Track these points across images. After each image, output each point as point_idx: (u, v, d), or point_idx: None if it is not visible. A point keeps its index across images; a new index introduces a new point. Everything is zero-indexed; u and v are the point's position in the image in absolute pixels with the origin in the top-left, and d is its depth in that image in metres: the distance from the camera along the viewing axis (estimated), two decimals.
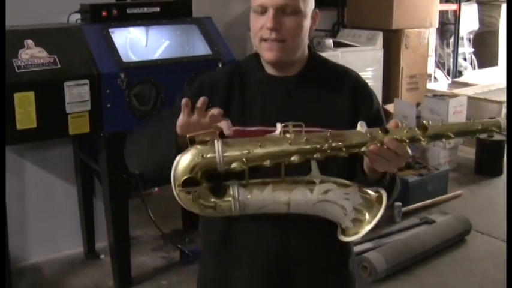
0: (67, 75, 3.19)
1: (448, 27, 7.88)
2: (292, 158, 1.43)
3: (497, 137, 5.47)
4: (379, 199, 1.49)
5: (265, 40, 1.59)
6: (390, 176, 1.56)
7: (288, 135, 1.45)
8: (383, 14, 5.96)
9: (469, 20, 8.03)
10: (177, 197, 1.44)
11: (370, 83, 6.00)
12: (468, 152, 5.77)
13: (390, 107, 5.87)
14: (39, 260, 3.91)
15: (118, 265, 3.61)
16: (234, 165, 1.41)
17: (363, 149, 1.45)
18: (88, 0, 3.56)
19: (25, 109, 3.09)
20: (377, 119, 1.70)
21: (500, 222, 4.53)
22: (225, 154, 1.40)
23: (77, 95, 3.21)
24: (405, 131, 1.46)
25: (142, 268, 3.86)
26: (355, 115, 1.66)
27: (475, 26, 8.26)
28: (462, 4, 7.60)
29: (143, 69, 3.40)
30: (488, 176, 5.47)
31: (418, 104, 5.81)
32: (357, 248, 4.01)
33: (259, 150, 1.42)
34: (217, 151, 1.40)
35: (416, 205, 4.72)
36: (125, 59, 3.38)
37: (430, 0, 6.23)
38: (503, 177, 5.50)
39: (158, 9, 3.66)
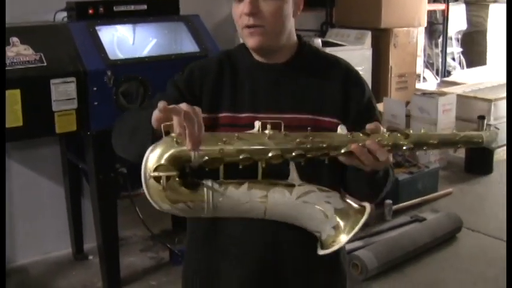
0: (53, 72, 3.15)
1: (436, 27, 7.90)
2: (270, 155, 1.36)
3: None
4: (360, 211, 1.43)
5: (247, 27, 1.57)
6: (384, 169, 1.53)
7: (266, 132, 1.39)
8: (371, 13, 5.95)
9: (457, 20, 8.05)
10: (145, 188, 1.34)
11: None
12: (458, 151, 5.74)
13: (379, 106, 5.85)
14: (27, 261, 3.88)
15: (107, 266, 3.57)
16: (208, 158, 1.33)
17: (342, 150, 1.40)
18: None
19: (11, 107, 3.05)
20: (369, 108, 1.68)
21: (491, 219, 4.54)
22: (201, 147, 1.32)
23: (63, 93, 3.17)
24: (387, 135, 1.43)
25: (131, 269, 3.83)
26: (346, 103, 1.64)
27: (463, 25, 8.28)
28: (450, 4, 7.61)
29: (130, 67, 3.37)
30: (478, 174, 5.47)
31: (407, 103, 5.80)
32: (347, 247, 3.92)
33: (236, 144, 1.35)
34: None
35: (406, 203, 4.71)
36: (111, 57, 3.34)
37: None
38: (494, 175, 5.51)
39: (145, 6, 3.63)
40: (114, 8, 3.54)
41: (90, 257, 3.93)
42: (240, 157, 1.35)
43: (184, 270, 1.80)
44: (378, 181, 1.55)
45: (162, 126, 1.34)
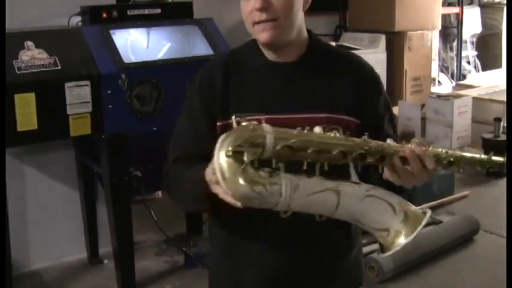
0: (67, 76, 3.17)
1: (450, 31, 7.86)
2: (335, 152, 1.31)
3: (503, 136, 5.44)
4: (419, 215, 1.41)
5: (257, 23, 1.55)
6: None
7: (329, 133, 1.35)
8: (385, 17, 5.93)
9: (472, 23, 8.01)
10: (220, 171, 1.26)
11: None
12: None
13: (395, 110, 5.82)
14: (41, 266, 3.88)
15: (121, 269, 3.57)
16: (281, 147, 1.27)
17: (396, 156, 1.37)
18: (89, 2, 3.54)
19: (25, 110, 3.06)
20: (386, 105, 1.68)
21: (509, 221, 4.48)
22: (274, 136, 1.28)
23: (77, 96, 3.19)
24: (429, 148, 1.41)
25: (146, 272, 3.82)
26: (362, 100, 1.62)
27: (478, 29, 8.23)
28: (464, 7, 7.59)
29: (144, 70, 3.37)
30: (494, 177, 5.40)
31: (422, 106, 5.77)
32: (364, 249, 3.97)
33: (305, 137, 1.31)
34: (268, 131, 1.29)
35: (422, 206, 4.66)
36: (125, 60, 3.35)
37: (432, 2, 6.20)
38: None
39: (159, 10, 3.64)
40: (128, 12, 3.56)
41: (105, 261, 3.92)
42: (309, 151, 1.29)
43: (212, 275, 1.80)
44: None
45: (233, 118, 1.35)
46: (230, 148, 1.25)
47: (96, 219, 3.94)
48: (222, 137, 1.28)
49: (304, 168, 1.31)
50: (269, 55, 1.62)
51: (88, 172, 3.81)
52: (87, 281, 3.77)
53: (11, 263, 3.38)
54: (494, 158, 1.51)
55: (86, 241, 3.97)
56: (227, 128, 1.55)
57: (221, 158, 1.26)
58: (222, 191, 1.30)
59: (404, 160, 1.37)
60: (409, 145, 1.38)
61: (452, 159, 1.43)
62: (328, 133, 1.35)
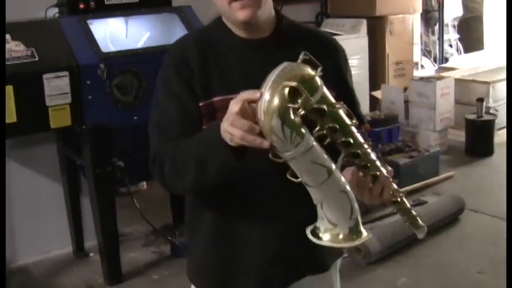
0: (46, 67, 3.14)
1: (432, 15, 7.87)
2: (343, 139, 1.33)
3: (486, 117, 5.46)
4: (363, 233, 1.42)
5: (235, 0, 1.51)
6: None
7: None
8: (366, 2, 5.93)
9: (453, 6, 8.03)
10: (267, 99, 1.23)
11: (356, 70, 6.00)
12: (458, 135, 5.73)
13: (378, 93, 5.85)
14: (28, 261, 3.85)
15: (107, 262, 3.56)
16: (318, 107, 1.27)
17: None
18: None
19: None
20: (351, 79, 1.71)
21: (494, 200, 4.51)
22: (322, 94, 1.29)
23: (56, 88, 3.16)
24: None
25: (133, 264, 3.80)
26: (336, 74, 1.63)
27: (459, 12, 8.25)
28: None
29: (123, 59, 3.35)
30: (479, 157, 5.44)
31: (405, 89, 5.78)
32: None
33: (336, 112, 1.33)
34: (321, 85, 1.29)
35: (408, 187, 4.66)
36: (104, 50, 3.33)
37: None
38: (495, 156, 5.47)
39: None
40: (106, 1, 3.52)
41: (91, 254, 3.90)
42: (331, 124, 1.30)
43: (195, 264, 1.75)
44: None
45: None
46: (294, 83, 1.24)
47: (80, 213, 3.91)
48: (285, 64, 1.28)
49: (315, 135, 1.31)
50: (241, 33, 1.59)
51: (71, 165, 3.78)
52: (73, 274, 3.74)
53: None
54: (420, 221, 1.60)
55: (71, 235, 3.94)
56: (211, 108, 1.54)
57: (278, 85, 1.25)
58: (245, 121, 1.25)
59: (373, 178, 1.41)
60: (384, 170, 1.43)
61: (399, 199, 1.52)
62: (349, 119, 1.36)
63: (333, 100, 1.32)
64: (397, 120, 5.38)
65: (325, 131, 1.31)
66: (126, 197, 3.66)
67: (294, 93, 1.24)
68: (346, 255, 3.70)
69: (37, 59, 3.14)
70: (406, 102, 5.63)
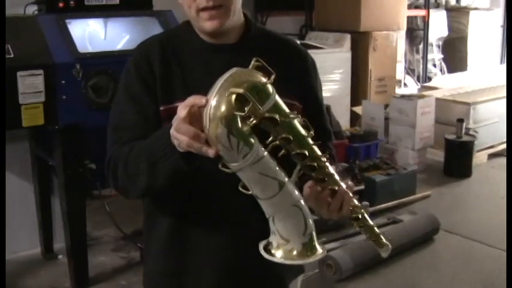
0: (20, 64, 3.08)
1: (417, 33, 7.89)
2: (298, 151, 1.29)
3: (465, 138, 5.46)
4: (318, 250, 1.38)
5: (203, 10, 1.47)
6: None
7: None
8: (350, 17, 5.95)
9: (438, 26, 8.06)
10: (214, 104, 1.20)
11: (338, 85, 5.98)
12: (437, 154, 5.73)
13: (358, 109, 5.84)
14: None
15: (74, 265, 3.49)
16: (270, 116, 1.23)
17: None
18: None
19: None
20: (321, 91, 1.67)
21: (469, 222, 4.51)
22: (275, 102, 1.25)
23: (30, 86, 3.11)
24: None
25: (101, 268, 3.74)
26: (302, 85, 1.60)
27: (444, 32, 8.28)
28: (431, 10, 7.62)
29: (100, 60, 3.30)
30: (456, 177, 5.44)
31: (386, 106, 5.78)
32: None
33: (290, 122, 1.29)
34: (273, 93, 1.25)
35: (383, 205, 4.66)
36: (81, 50, 3.28)
37: (398, 3, 6.23)
38: (473, 178, 5.48)
39: (117, 1, 3.57)
40: (86, 1, 3.48)
41: (60, 257, 3.84)
42: (284, 135, 1.26)
43: (147, 273, 1.71)
44: None
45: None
46: (241, 90, 1.20)
47: (51, 214, 3.85)
48: (235, 70, 1.25)
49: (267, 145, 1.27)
50: (207, 38, 1.56)
51: (43, 165, 3.72)
52: (40, 276, 3.67)
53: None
54: (384, 240, 1.52)
55: (40, 236, 3.87)
56: (171, 113, 1.47)
57: (225, 91, 1.21)
58: (190, 127, 1.23)
59: (332, 192, 1.37)
60: (344, 184, 1.39)
61: (360, 216, 1.44)
62: (306, 130, 1.31)
63: (286, 110, 1.27)
64: (377, 136, 5.38)
65: (278, 142, 1.26)
66: (98, 200, 3.61)
67: (242, 100, 1.20)
68: (316, 270, 3.67)
69: (12, 55, 3.08)
70: (387, 119, 5.62)
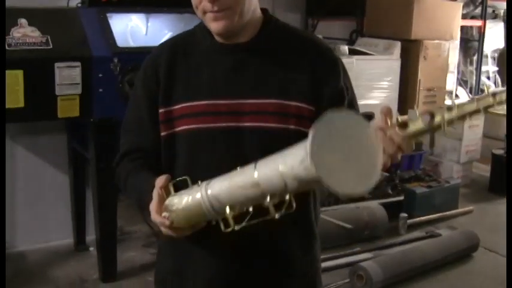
0: (58, 55, 3.11)
1: (472, 44, 7.69)
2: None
3: None
4: None
5: (210, 12, 1.44)
6: None
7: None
8: (402, 24, 5.81)
9: (495, 37, 7.84)
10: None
11: (385, 93, 5.81)
12: (483, 169, 5.58)
13: (404, 119, 5.71)
14: (27, 248, 3.83)
15: (103, 257, 3.51)
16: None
17: None
18: None
19: (13, 87, 3.02)
20: (346, 89, 1.54)
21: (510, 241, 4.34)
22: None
23: (67, 77, 3.13)
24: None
25: (130, 263, 3.76)
26: (318, 86, 1.49)
27: (500, 44, 8.06)
28: (488, 21, 7.41)
29: (137, 56, 3.21)
30: (502, 194, 5.24)
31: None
32: (354, 258, 3.87)
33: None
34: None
35: (422, 218, 4.54)
36: (120, 44, 3.28)
37: (451, 12, 6.07)
38: None
39: None
40: None
41: (91, 249, 3.86)
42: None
43: (157, 271, 1.70)
44: None
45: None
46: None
47: (85, 206, 3.88)
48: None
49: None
50: (218, 38, 1.52)
51: (79, 157, 3.75)
52: (69, 267, 3.71)
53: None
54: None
55: (73, 227, 3.91)
56: (170, 115, 1.50)
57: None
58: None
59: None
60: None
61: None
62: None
63: None
64: (421, 147, 5.25)
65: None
66: None
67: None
68: (347, 280, 3.60)
69: (51, 47, 3.11)
70: None
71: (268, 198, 1.22)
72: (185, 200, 1.34)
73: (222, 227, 1.31)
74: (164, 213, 1.36)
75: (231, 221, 1.28)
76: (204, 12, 1.45)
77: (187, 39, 1.58)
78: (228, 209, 1.27)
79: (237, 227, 1.28)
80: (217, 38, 1.52)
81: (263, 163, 1.22)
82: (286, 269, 1.58)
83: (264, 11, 1.55)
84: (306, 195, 1.56)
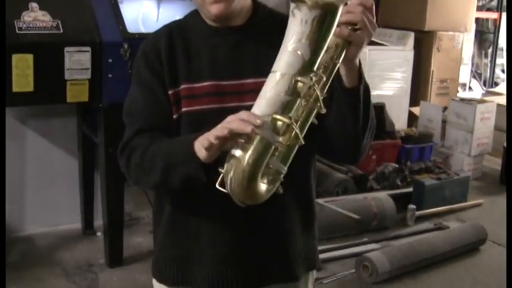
0: (69, 40, 3.12)
1: (487, 37, 7.64)
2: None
3: None
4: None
5: None
6: (364, 86, 1.45)
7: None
8: (416, 15, 5.79)
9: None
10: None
11: (398, 84, 5.78)
12: (494, 162, 5.54)
13: (416, 110, 5.69)
14: (35, 232, 3.85)
15: (109, 241, 3.53)
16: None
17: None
18: None
19: (23, 71, 3.02)
20: None
21: None
22: None
23: (77, 62, 3.13)
24: None
25: (137, 249, 3.77)
26: None
27: None
28: (503, 13, 7.34)
29: None
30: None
31: (445, 108, 5.61)
32: (361, 249, 3.87)
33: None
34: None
35: (431, 210, 4.52)
36: (130, 30, 3.28)
37: (466, 3, 6.03)
38: None
39: None
40: None
41: (98, 234, 3.88)
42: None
43: (156, 259, 1.69)
44: (362, 96, 1.44)
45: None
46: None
47: (93, 191, 3.89)
48: None
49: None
50: (213, 23, 1.55)
51: (89, 142, 3.76)
52: (77, 251, 3.73)
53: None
54: None
55: (82, 211, 3.93)
56: (177, 96, 1.52)
57: None
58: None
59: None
60: None
61: None
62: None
63: None
64: (432, 139, 5.23)
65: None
66: None
67: None
68: (352, 270, 3.60)
69: (61, 31, 3.11)
70: (444, 122, 5.46)
71: (300, 78, 1.26)
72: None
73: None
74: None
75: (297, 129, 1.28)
76: None
77: (181, 25, 1.60)
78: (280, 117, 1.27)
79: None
80: (210, 23, 1.55)
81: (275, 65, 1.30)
82: (290, 246, 1.61)
83: None
84: (309, 169, 1.60)
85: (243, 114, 1.26)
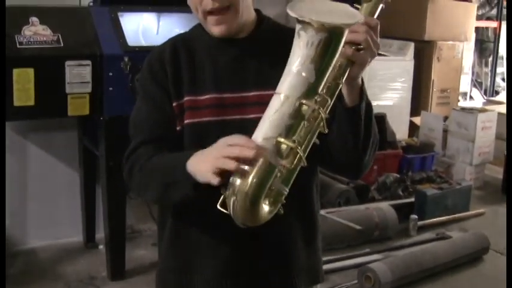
0: (69, 54, 3.14)
1: (487, 46, 7.66)
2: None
3: None
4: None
5: (210, 13, 1.48)
6: (366, 103, 1.45)
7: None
8: (416, 25, 5.81)
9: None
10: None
11: (398, 94, 5.79)
12: (496, 171, 5.53)
13: (417, 120, 5.69)
14: (37, 245, 3.85)
15: (111, 255, 3.53)
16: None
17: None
18: None
19: (24, 85, 3.04)
20: None
21: None
22: None
23: (78, 76, 3.15)
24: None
25: (140, 261, 3.76)
26: None
27: None
28: (503, 22, 7.36)
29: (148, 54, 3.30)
30: None
31: (445, 118, 5.61)
32: (363, 259, 3.86)
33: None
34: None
35: (433, 220, 4.51)
36: (131, 43, 3.30)
37: (466, 13, 6.05)
38: None
39: None
40: None
41: (100, 247, 3.87)
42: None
43: (159, 271, 1.70)
44: (364, 114, 1.44)
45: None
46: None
47: (95, 204, 3.89)
48: None
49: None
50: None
51: (90, 155, 3.76)
52: (79, 264, 3.72)
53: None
54: None
55: (83, 224, 3.93)
56: (181, 109, 1.53)
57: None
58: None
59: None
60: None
61: None
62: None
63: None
64: (433, 149, 5.23)
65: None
66: None
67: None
68: (355, 281, 3.59)
69: (62, 45, 3.13)
70: (445, 131, 5.46)
71: (304, 101, 1.26)
72: None
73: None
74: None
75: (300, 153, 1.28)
76: (205, 17, 1.49)
77: (186, 37, 1.62)
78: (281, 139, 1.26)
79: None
80: (214, 35, 1.55)
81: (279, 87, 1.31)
82: (291, 259, 1.61)
83: (257, 11, 1.60)
84: (310, 186, 1.60)
85: (239, 140, 1.26)
